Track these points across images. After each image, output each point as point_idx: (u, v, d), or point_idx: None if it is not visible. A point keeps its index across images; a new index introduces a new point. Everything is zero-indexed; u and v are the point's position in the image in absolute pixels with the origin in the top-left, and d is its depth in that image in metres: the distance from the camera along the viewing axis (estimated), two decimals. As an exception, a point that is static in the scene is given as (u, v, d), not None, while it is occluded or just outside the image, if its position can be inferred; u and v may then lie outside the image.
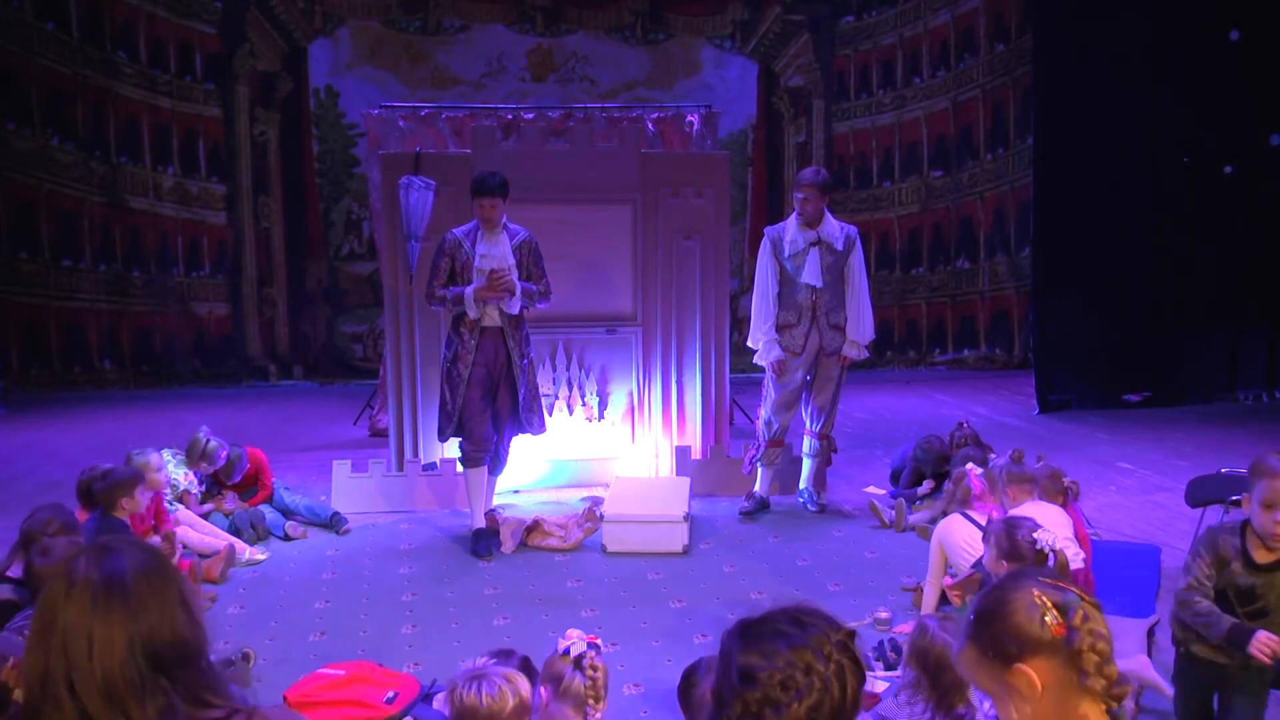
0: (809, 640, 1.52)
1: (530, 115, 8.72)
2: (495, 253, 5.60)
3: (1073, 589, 1.70)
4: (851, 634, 1.58)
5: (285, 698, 3.57)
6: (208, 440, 5.96)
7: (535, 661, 2.97)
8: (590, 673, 2.69)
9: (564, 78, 13.95)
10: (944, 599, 4.08)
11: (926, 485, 6.24)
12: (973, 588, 3.90)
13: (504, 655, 2.97)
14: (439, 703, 3.26)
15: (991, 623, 1.68)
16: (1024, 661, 1.64)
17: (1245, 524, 3.05)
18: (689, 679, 2.96)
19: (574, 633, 2.78)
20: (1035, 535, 3.27)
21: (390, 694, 3.55)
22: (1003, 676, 1.66)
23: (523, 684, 2.62)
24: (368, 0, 13.66)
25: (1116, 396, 9.76)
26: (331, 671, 3.72)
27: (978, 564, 4.32)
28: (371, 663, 3.85)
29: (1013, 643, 1.65)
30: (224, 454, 6.00)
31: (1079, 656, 1.63)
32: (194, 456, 5.93)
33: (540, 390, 6.05)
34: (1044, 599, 1.66)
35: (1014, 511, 4.11)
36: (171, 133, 13.08)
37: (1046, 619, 1.64)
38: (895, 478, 6.62)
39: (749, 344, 6.30)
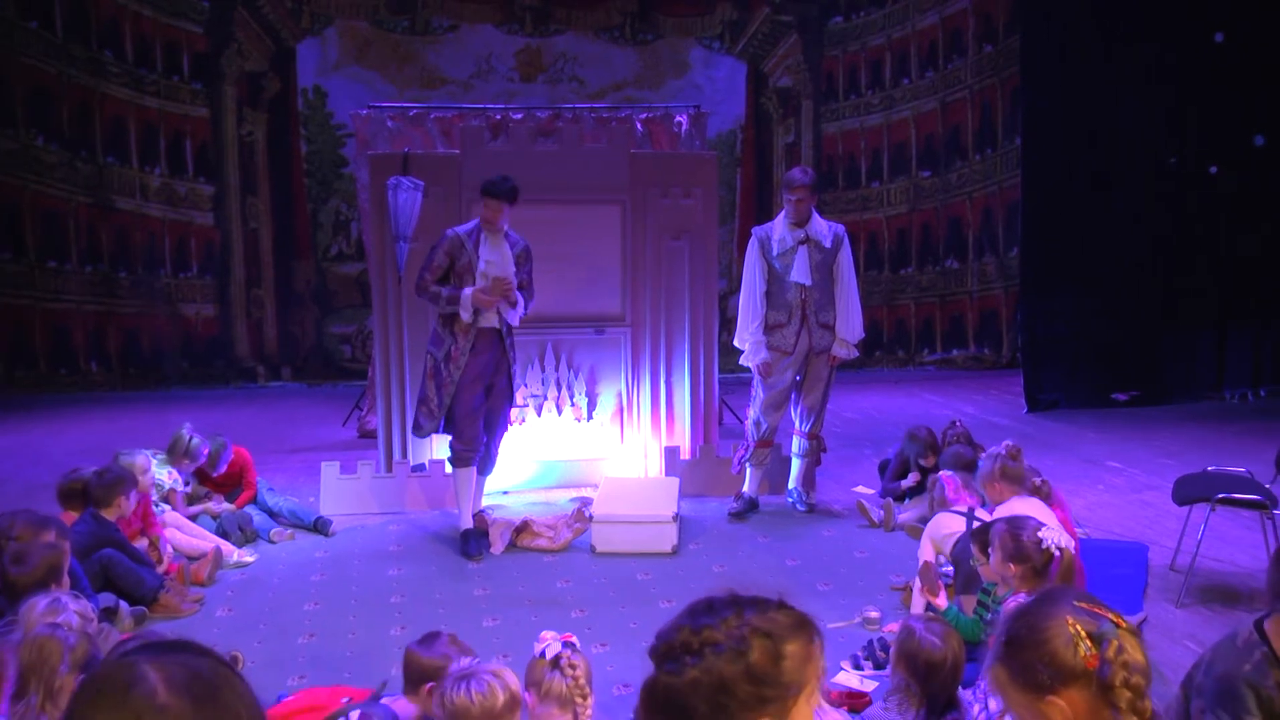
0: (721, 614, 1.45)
1: (519, 115, 8.70)
2: (500, 260, 5.60)
3: (1109, 615, 1.64)
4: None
5: None
6: (190, 437, 5.93)
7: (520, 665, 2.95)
8: (570, 671, 2.67)
9: (553, 78, 13.94)
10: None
11: (912, 478, 6.18)
12: (931, 580, 3.95)
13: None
14: (390, 701, 3.23)
15: (1024, 650, 1.63)
16: (1056, 693, 1.59)
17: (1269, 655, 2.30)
18: None
19: (548, 634, 2.75)
20: (1040, 534, 3.25)
21: (345, 698, 3.53)
22: (1034, 704, 1.62)
23: (511, 679, 2.59)
24: (356, 0, 13.63)
25: (1104, 395, 9.80)
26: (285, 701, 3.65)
27: (961, 547, 4.36)
28: (320, 688, 3.79)
29: (1045, 673, 1.60)
30: (206, 450, 5.96)
31: (1111, 691, 1.57)
32: (176, 454, 5.89)
33: (529, 391, 6.06)
34: (1078, 627, 1.61)
35: (1000, 508, 4.12)
36: (158, 133, 13.02)
37: (1079, 649, 1.59)
38: (883, 469, 6.61)
39: (735, 344, 6.29)
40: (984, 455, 4.46)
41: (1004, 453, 4.30)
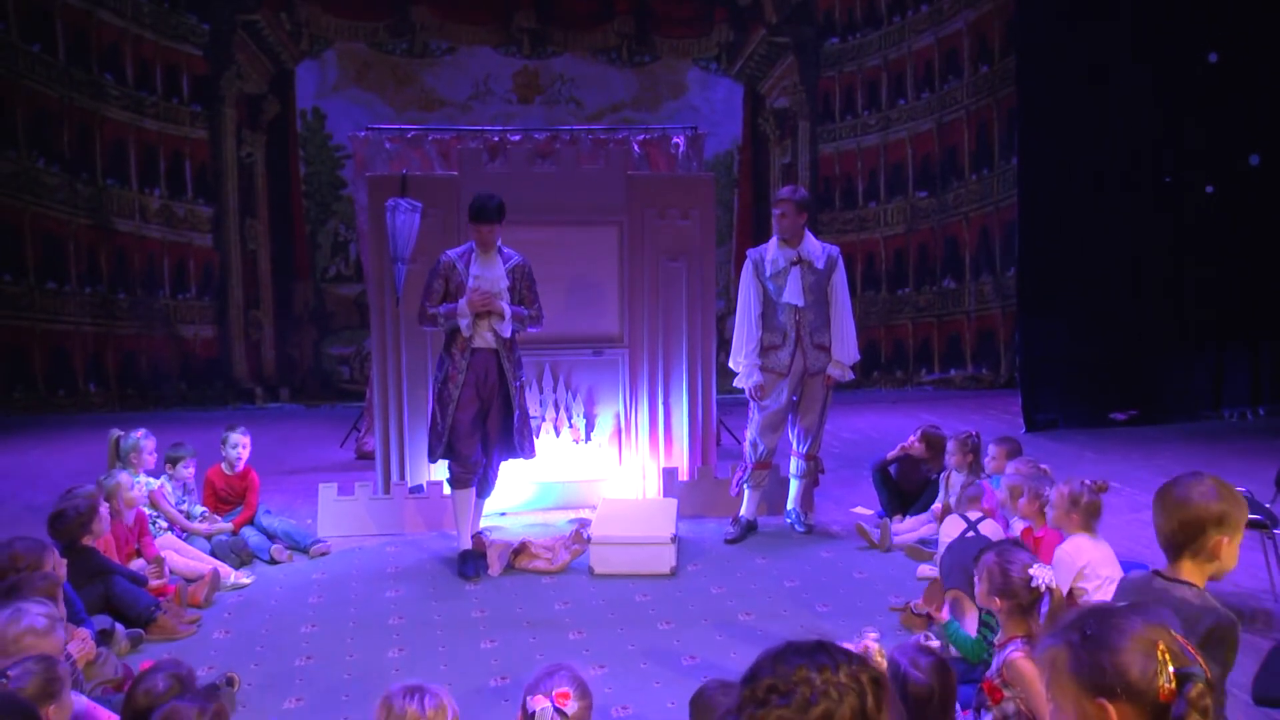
0: (817, 660, 1.47)
1: (517, 137, 8.74)
2: (489, 275, 5.62)
3: (1200, 661, 1.58)
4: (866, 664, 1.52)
5: None
6: (122, 435, 5.85)
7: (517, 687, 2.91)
8: None
9: (550, 99, 14.02)
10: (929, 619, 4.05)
11: (897, 449, 6.38)
12: (937, 596, 3.90)
13: (555, 668, 2.84)
14: None
15: (1098, 649, 1.57)
16: (1113, 701, 1.53)
17: None
18: (703, 696, 2.87)
19: (540, 699, 2.64)
20: (1031, 571, 3.13)
21: None
22: (1081, 701, 1.57)
23: None
24: (354, 23, 13.72)
25: (1103, 415, 9.79)
26: None
27: (948, 554, 4.33)
28: None
29: (1113, 678, 1.54)
30: (151, 446, 5.88)
31: None
32: (125, 457, 5.78)
33: (529, 413, 6.03)
34: (1166, 655, 1.55)
35: (1063, 545, 4.03)
36: (158, 155, 13.08)
37: (1161, 677, 1.53)
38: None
39: (730, 366, 6.30)
40: (1061, 483, 4.32)
41: (1089, 484, 4.16)
